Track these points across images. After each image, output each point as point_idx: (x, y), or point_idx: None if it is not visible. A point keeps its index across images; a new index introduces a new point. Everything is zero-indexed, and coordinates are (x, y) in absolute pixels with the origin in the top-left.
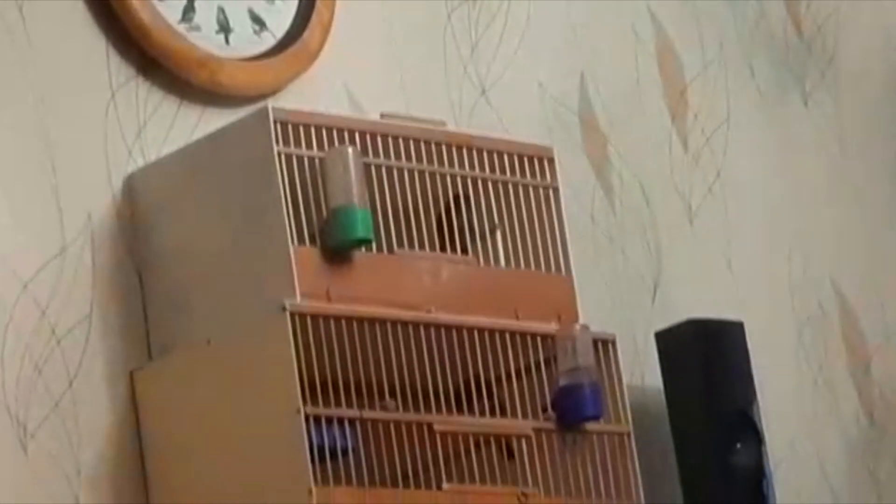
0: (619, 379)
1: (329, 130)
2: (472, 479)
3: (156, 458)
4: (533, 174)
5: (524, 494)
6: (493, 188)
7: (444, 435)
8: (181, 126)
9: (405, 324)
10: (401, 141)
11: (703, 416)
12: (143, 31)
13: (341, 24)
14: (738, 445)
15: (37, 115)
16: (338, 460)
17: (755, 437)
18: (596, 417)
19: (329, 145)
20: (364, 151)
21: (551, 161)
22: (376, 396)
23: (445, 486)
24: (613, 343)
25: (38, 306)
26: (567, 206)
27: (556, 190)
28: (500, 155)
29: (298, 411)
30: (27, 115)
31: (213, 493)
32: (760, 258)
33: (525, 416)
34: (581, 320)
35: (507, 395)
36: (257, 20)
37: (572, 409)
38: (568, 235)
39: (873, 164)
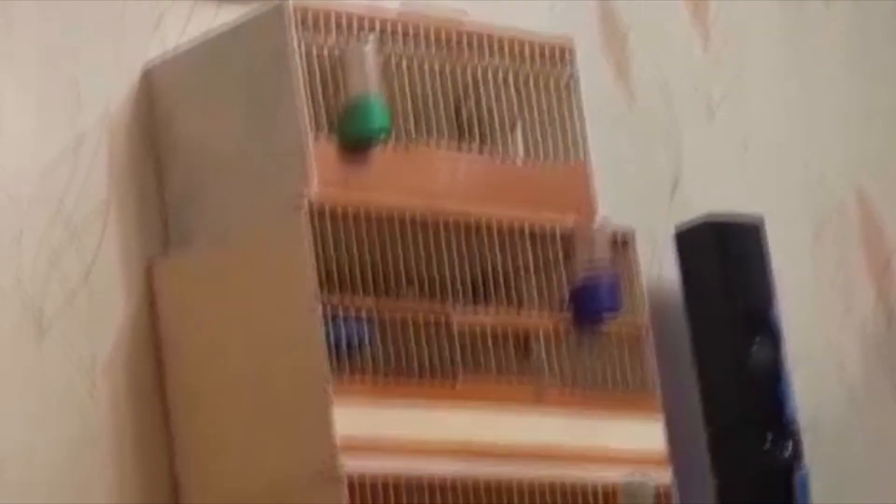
0: (637, 274)
1: (348, 21)
2: (489, 373)
3: (171, 348)
4: (553, 65)
5: (540, 388)
6: (514, 80)
7: (460, 328)
8: (200, 17)
9: (423, 217)
10: (421, 31)
11: (720, 313)
12: None
13: None
14: (756, 343)
15: (56, 5)
16: (354, 353)
17: (772, 335)
18: (613, 311)
19: (348, 37)
20: (383, 43)
21: (571, 52)
22: (393, 290)
23: (462, 378)
24: (632, 238)
25: (55, 196)
26: (586, 101)
27: (575, 81)
28: (521, 46)
29: (315, 304)
30: (47, 6)
31: (228, 384)
32: (779, 157)
33: (542, 310)
34: (600, 215)
35: (524, 289)
36: None
37: (589, 304)
38: (587, 128)
39: (893, 65)
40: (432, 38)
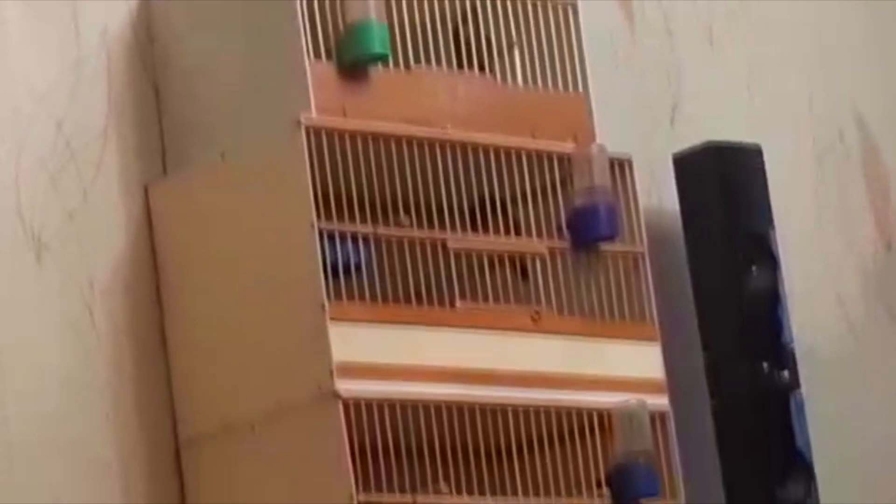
0: (635, 200)
1: None
2: (486, 298)
3: (169, 271)
4: None
5: (537, 313)
6: (513, 5)
7: (457, 253)
8: None
9: (420, 141)
10: None
11: (719, 239)
12: None
13: None
14: (754, 269)
15: None
16: (351, 276)
17: (771, 261)
18: (611, 237)
19: None
20: None
21: None
22: (390, 213)
23: (459, 303)
24: (630, 164)
25: (54, 119)
26: (586, 27)
27: (574, 7)
28: None
29: (312, 226)
30: None
31: (226, 307)
32: (781, 84)
33: (539, 235)
34: (598, 141)
35: (521, 214)
36: None
37: (587, 229)
38: (586, 54)
39: None
40: None
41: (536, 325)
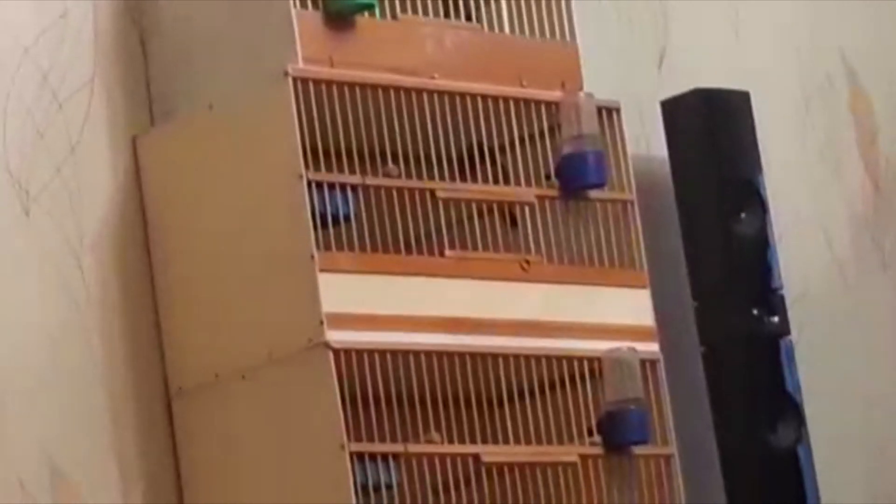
0: (623, 147)
1: None
2: (475, 246)
3: (158, 223)
4: None
5: (526, 261)
6: None
7: (446, 202)
8: None
9: (408, 90)
10: None
11: (707, 185)
12: None
13: None
14: (743, 215)
15: None
16: (340, 227)
17: (760, 206)
18: (599, 184)
19: None
20: None
21: None
22: (379, 163)
23: (448, 252)
24: (618, 111)
25: (40, 71)
26: None
27: None
28: None
29: (301, 177)
30: None
31: (215, 258)
32: (769, 29)
33: (528, 183)
34: (586, 88)
35: (510, 162)
36: None
37: (575, 177)
38: (573, 2)
39: None
40: None
41: (526, 273)
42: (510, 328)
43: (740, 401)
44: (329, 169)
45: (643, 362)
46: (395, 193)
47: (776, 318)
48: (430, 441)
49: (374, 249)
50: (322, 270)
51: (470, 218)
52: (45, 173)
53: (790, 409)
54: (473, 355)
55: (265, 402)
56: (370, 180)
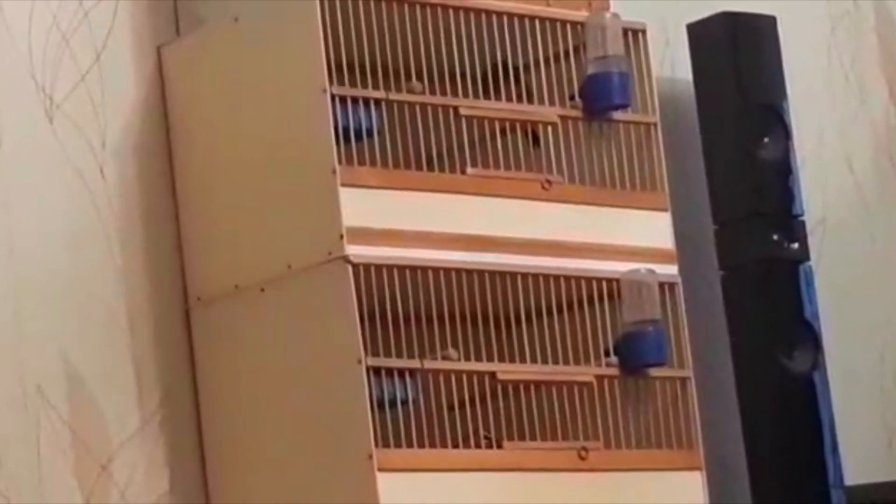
0: (648, 69)
1: None
2: (497, 165)
3: (181, 132)
4: None
5: (548, 181)
6: None
7: (469, 119)
8: None
9: (434, 6)
10: None
11: (731, 109)
12: None
13: None
14: (766, 140)
15: None
16: (363, 141)
17: (783, 131)
18: (623, 106)
19: None
20: None
21: None
22: (403, 79)
23: (470, 170)
24: (644, 33)
25: None
26: None
27: None
28: None
29: (324, 90)
30: None
31: (237, 169)
32: None
33: (552, 103)
34: (612, 9)
35: (534, 81)
36: None
37: (599, 97)
38: None
39: None
40: None
41: (547, 193)
42: (530, 247)
43: (758, 326)
44: (353, 84)
45: (662, 285)
46: (417, 109)
47: (796, 245)
48: (446, 358)
49: (396, 165)
50: (343, 185)
51: (492, 136)
52: (70, 81)
53: (807, 335)
54: (492, 273)
55: (283, 314)
56: (393, 95)
